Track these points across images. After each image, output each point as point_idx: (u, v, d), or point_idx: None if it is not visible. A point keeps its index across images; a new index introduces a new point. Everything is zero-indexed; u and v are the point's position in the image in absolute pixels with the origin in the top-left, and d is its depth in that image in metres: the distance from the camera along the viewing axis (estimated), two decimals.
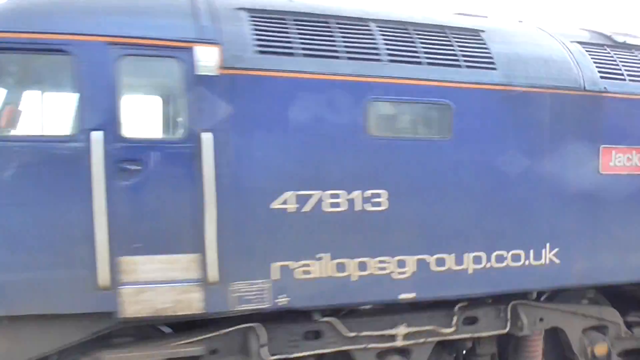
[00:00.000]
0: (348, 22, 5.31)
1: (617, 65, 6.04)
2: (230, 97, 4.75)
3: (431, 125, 5.47)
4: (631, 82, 5.94)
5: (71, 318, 4.66)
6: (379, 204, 5.10)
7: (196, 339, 5.00)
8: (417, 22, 5.58)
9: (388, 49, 5.24)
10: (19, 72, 4.81)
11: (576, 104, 5.67)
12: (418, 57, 5.31)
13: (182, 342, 5.00)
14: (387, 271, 5.16)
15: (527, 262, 5.54)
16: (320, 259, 5.00)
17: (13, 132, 4.70)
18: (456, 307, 5.61)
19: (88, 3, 4.77)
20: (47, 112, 4.98)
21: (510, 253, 5.49)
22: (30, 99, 5.02)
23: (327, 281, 5.03)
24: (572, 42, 5.99)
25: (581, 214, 5.76)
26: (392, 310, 5.55)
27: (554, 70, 5.67)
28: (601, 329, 6.34)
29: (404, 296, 5.24)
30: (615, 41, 6.22)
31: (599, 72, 5.85)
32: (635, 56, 6.22)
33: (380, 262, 5.14)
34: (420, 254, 5.24)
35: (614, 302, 6.57)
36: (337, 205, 5.00)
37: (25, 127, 4.79)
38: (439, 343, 5.78)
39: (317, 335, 5.34)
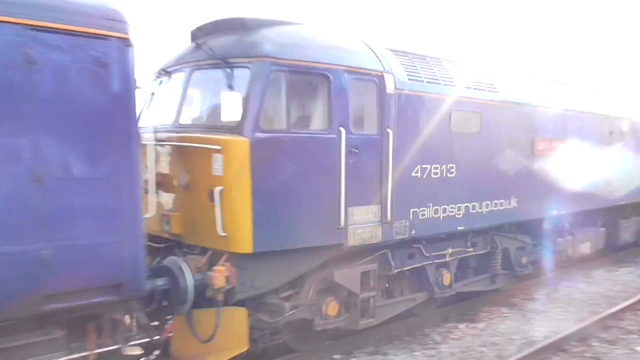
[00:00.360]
0: (444, 61, 9.07)
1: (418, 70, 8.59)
2: (398, 108, 7.81)
3: (473, 125, 9.19)
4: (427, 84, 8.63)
5: (315, 249, 7.22)
6: (452, 173, 8.69)
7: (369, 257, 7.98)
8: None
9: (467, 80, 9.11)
10: (296, 88, 7.05)
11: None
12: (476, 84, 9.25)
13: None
14: (453, 213, 8.78)
15: (505, 207, 9.72)
16: (428, 206, 8.37)
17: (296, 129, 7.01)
18: (468, 237, 9.48)
19: (334, 42, 7.38)
20: (311, 115, 7.29)
21: (500, 201, 9.61)
22: (303, 106, 7.28)
23: (430, 220, 8.43)
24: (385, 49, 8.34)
25: None
26: (443, 239, 9.12)
27: None
28: (523, 247, 10.91)
29: (460, 228, 8.94)
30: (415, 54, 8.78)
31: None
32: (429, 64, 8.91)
33: (451, 207, 8.74)
34: (467, 203, 8.98)
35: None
36: (436, 173, 8.44)
37: (301, 124, 7.14)
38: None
39: (410, 256, 8.68)
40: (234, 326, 6.71)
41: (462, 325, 9.55)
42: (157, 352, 7.39)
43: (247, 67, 6.74)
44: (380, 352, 8.34)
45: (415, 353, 8.35)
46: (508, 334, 9.30)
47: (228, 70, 6.83)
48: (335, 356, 8.16)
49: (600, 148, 12.38)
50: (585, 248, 12.66)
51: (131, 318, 6.21)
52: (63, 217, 5.14)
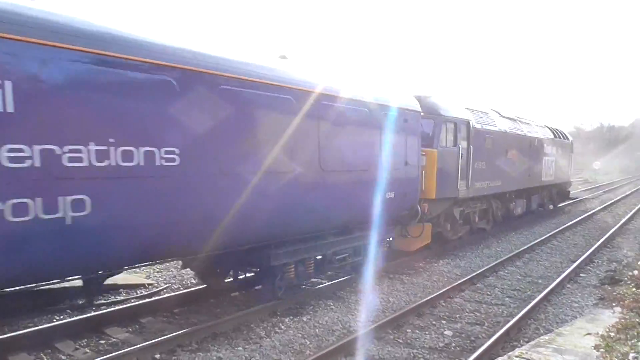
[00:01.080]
0: (489, 112, 19.38)
1: None
2: (473, 135, 16.68)
3: (489, 143, 18.56)
4: None
5: (448, 198, 15.70)
6: (484, 166, 18.37)
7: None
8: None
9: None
10: (447, 128, 15.73)
11: None
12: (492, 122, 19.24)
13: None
14: (488, 184, 18.99)
15: (496, 183, 19.50)
16: (480, 181, 17.73)
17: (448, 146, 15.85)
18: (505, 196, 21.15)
19: (458, 106, 16.63)
20: (451, 139, 15.88)
21: (496, 180, 19.49)
22: (449, 135, 15.87)
23: (481, 189, 18.04)
24: (467, 108, 17.92)
25: None
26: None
27: None
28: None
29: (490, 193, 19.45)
30: (476, 109, 18.39)
31: None
32: (482, 115, 19.17)
33: (487, 182, 18.75)
34: (491, 180, 19.17)
35: None
36: (482, 166, 17.86)
37: (448, 143, 16.15)
38: None
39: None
40: (426, 231, 14.90)
41: (287, 319, 9.79)
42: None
43: (432, 119, 15.15)
44: (203, 349, 8.31)
45: (238, 349, 8.42)
46: (330, 325, 9.69)
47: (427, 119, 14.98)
48: (157, 355, 8.03)
49: (525, 155, 22.15)
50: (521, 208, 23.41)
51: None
52: (407, 180, 12.99)
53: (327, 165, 10.18)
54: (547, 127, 26.78)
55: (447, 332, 9.57)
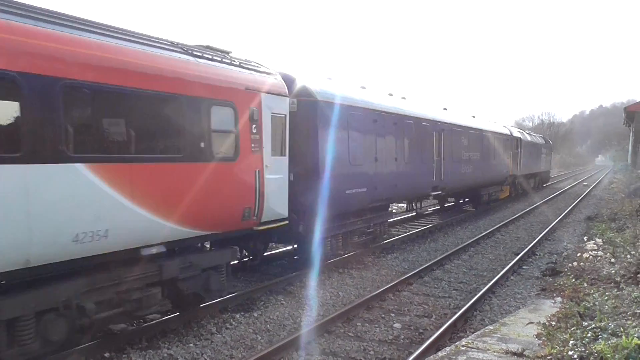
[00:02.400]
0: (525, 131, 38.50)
1: None
2: (521, 145, 35.27)
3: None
4: None
5: (512, 175, 33.77)
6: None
7: None
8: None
9: None
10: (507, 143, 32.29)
11: None
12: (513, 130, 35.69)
13: None
14: None
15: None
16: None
17: None
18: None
19: (512, 128, 36.63)
20: (504, 148, 33.63)
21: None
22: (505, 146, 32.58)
23: None
24: (511, 126, 32.77)
25: None
26: None
27: None
28: None
29: None
30: (514, 127, 31.35)
31: None
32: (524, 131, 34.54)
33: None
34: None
35: None
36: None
37: None
38: None
39: None
40: (507, 189, 34.26)
41: (237, 315, 9.78)
42: None
43: (515, 139, 34.81)
44: (154, 347, 8.22)
45: (189, 345, 8.37)
46: (281, 320, 9.73)
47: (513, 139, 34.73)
48: (106, 354, 7.90)
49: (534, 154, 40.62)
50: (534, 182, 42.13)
51: None
52: (505, 166, 31.43)
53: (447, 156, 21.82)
54: (543, 138, 49.08)
55: (396, 325, 9.74)
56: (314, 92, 12.81)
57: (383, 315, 10.27)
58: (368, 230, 16.00)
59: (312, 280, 12.18)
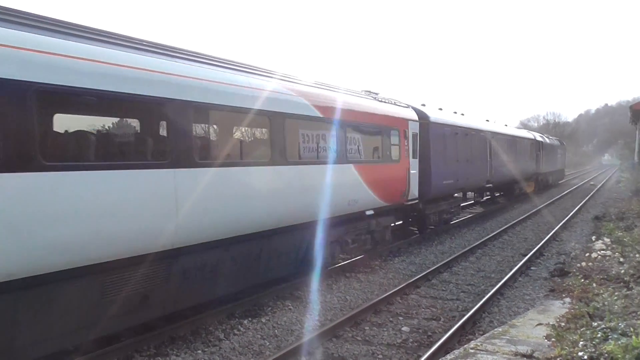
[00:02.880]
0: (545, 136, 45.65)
1: None
2: (542, 147, 42.30)
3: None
4: None
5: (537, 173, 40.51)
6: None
7: None
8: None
9: None
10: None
11: None
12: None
13: None
14: None
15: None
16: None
17: None
18: None
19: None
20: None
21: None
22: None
23: None
24: (535, 133, 36.45)
25: None
26: None
27: None
28: None
29: None
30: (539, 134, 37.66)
31: None
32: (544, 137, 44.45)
33: None
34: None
35: None
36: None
37: None
38: None
39: None
40: (532, 183, 38.66)
41: (245, 321, 9.76)
42: None
43: (559, 142, 54.96)
44: (162, 354, 8.22)
45: (197, 352, 8.36)
46: (289, 325, 9.72)
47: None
48: None
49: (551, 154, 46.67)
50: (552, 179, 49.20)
51: None
52: (530, 166, 37.82)
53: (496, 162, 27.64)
54: (559, 140, 57.67)
55: (405, 328, 9.71)
56: (429, 117, 19.05)
57: (391, 319, 10.24)
58: (451, 210, 22.14)
59: (319, 284, 12.16)
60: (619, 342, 7.03)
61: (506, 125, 37.50)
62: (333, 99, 12.72)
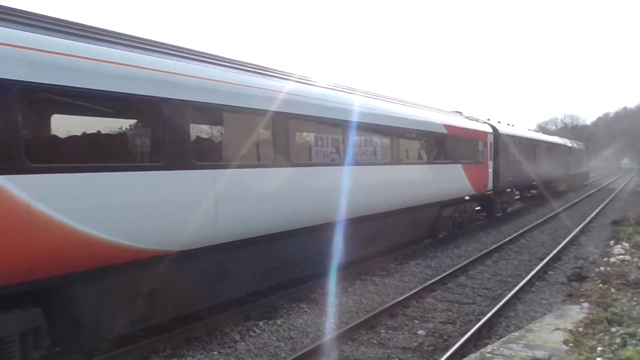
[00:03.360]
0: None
1: None
2: (572, 152, 48.93)
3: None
4: None
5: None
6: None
7: None
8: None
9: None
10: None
11: None
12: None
13: None
14: None
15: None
16: None
17: None
18: None
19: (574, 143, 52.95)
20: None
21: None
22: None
23: None
24: (568, 140, 43.66)
25: None
26: None
27: None
28: None
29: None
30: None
31: None
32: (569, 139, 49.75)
33: None
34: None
35: None
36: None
37: None
38: None
39: None
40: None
41: (261, 323, 9.79)
42: None
43: (585, 147, 64.35)
44: (178, 355, 8.27)
45: (213, 353, 8.41)
46: (304, 327, 9.73)
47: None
48: None
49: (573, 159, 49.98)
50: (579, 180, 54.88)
51: None
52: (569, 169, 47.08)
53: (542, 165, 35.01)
54: (585, 145, 63.69)
55: (420, 332, 9.67)
56: (499, 131, 25.00)
57: (407, 322, 10.21)
58: (509, 201, 28.44)
59: (335, 287, 12.16)
60: (638, 348, 6.96)
61: (544, 134, 49.48)
62: (448, 121, 18.87)
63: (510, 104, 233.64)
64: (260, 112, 9.79)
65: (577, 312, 9.98)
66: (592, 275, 13.07)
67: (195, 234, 8.19)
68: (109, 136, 8.01)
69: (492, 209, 25.41)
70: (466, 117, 22.28)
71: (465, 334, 9.13)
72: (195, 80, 8.44)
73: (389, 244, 15.57)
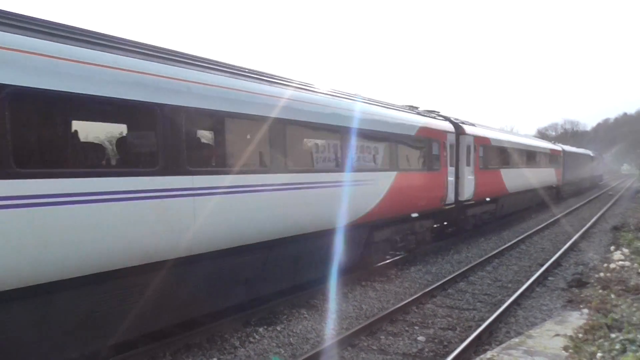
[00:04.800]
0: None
1: None
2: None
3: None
4: None
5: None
6: None
7: None
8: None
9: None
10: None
11: None
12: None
13: None
14: None
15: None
16: None
17: None
18: None
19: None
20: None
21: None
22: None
23: None
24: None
25: None
26: None
27: None
28: None
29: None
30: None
31: None
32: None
33: None
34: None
35: None
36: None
37: None
38: None
39: None
40: None
41: (261, 329, 9.79)
42: None
43: (593, 156, 66.82)
44: None
45: (213, 359, 8.41)
46: (304, 333, 9.72)
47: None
48: None
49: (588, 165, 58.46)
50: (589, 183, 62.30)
51: None
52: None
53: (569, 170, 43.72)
54: (599, 154, 76.41)
55: (420, 338, 9.67)
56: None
57: (407, 328, 10.21)
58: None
59: (335, 293, 12.16)
60: (638, 354, 6.96)
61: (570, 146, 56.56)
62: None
63: (512, 110, 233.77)
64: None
65: (577, 318, 9.99)
66: (592, 281, 13.07)
67: None
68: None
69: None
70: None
71: (465, 340, 9.12)
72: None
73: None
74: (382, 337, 9.70)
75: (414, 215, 15.93)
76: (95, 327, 7.27)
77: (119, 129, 8.53)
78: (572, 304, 11.48)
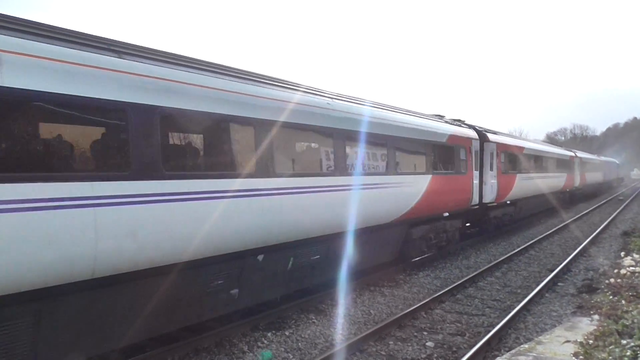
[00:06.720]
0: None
1: None
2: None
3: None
4: None
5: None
6: None
7: None
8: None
9: None
10: None
11: None
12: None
13: None
14: None
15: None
16: None
17: None
18: None
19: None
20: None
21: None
22: None
23: None
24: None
25: None
26: None
27: None
28: None
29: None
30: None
31: None
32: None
33: None
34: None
35: None
36: None
37: None
38: None
39: None
40: None
41: (269, 334, 9.78)
42: None
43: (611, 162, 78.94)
44: None
45: None
46: (312, 338, 9.70)
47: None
48: None
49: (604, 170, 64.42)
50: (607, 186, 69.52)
51: None
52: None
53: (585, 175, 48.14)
54: (617, 161, 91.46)
55: (429, 344, 9.62)
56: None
57: (415, 334, 10.17)
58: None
59: (343, 298, 12.13)
60: None
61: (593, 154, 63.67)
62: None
63: (519, 114, 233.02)
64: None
65: (587, 324, 9.91)
66: (603, 287, 12.98)
67: None
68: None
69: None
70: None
71: (474, 345, 9.08)
72: None
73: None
74: (391, 342, 9.66)
75: (445, 214, 17.59)
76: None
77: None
78: (582, 310, 11.40)
